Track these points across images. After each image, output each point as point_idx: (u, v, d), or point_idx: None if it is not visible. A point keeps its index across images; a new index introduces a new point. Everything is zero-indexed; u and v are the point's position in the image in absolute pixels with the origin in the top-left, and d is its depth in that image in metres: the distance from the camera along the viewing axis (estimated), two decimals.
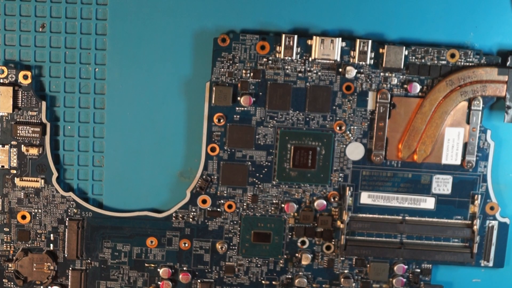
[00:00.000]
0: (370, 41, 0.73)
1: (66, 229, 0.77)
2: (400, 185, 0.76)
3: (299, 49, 0.73)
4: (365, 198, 0.76)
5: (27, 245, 0.78)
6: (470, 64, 0.73)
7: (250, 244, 0.77)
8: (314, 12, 0.74)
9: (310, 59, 0.73)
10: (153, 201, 0.78)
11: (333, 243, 0.77)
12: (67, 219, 0.77)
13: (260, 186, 0.76)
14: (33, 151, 0.75)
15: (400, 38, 0.74)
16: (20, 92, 0.74)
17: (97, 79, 0.75)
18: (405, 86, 0.74)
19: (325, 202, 0.76)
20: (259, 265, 0.78)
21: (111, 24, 0.74)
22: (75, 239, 0.77)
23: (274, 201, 0.77)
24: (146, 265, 0.78)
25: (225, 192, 0.76)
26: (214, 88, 0.74)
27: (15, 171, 0.76)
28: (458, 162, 0.75)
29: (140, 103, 0.75)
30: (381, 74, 0.74)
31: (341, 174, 0.76)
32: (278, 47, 0.73)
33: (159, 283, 0.78)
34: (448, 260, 0.77)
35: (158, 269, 0.78)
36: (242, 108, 0.75)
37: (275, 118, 0.75)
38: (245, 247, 0.77)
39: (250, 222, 0.77)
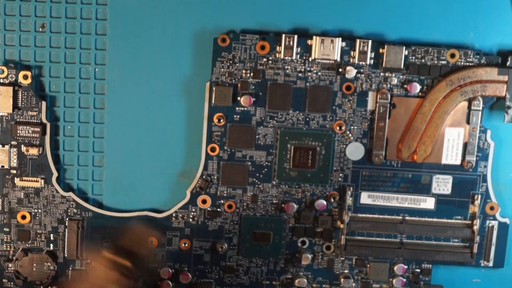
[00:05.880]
0: (370, 41, 0.73)
1: (66, 229, 0.77)
2: (400, 185, 0.76)
3: (299, 49, 0.73)
4: (365, 198, 0.76)
5: (27, 245, 0.77)
6: (470, 64, 0.73)
7: (250, 244, 0.77)
8: (314, 12, 0.74)
9: (310, 59, 0.73)
10: (153, 201, 0.78)
11: (333, 243, 0.77)
12: (67, 219, 0.77)
13: (260, 186, 0.76)
14: (33, 151, 0.75)
15: (400, 38, 0.74)
16: (20, 92, 0.74)
17: (97, 79, 0.75)
18: (405, 86, 0.74)
19: (325, 202, 0.76)
20: (259, 265, 0.78)
21: (111, 24, 0.74)
22: (75, 239, 0.77)
23: (274, 201, 0.76)
24: None
25: (225, 192, 0.76)
26: (214, 88, 0.74)
27: (15, 171, 0.76)
28: (458, 162, 0.75)
29: (140, 103, 0.75)
30: (381, 74, 0.74)
31: (341, 174, 0.76)
32: (278, 47, 0.73)
33: (159, 283, 0.78)
34: (448, 260, 0.76)
35: (158, 269, 0.78)
36: (242, 108, 0.75)
37: (275, 118, 0.75)
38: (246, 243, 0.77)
39: (250, 222, 0.77)
